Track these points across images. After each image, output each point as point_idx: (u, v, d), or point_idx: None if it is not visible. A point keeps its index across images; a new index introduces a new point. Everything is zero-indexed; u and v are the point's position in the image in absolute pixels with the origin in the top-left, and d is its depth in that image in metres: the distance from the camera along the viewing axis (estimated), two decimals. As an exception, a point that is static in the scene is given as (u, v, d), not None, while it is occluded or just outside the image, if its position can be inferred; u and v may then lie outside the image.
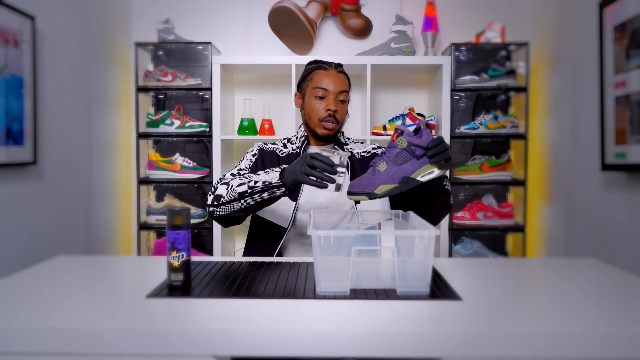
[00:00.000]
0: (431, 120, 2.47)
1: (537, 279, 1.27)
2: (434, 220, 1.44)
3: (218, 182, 1.43)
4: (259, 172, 1.39)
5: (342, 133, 1.68)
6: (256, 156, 1.60)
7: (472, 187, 2.52)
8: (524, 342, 0.82)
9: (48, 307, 0.93)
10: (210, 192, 1.43)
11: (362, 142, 1.70)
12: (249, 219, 1.66)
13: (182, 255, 1.06)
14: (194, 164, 2.49)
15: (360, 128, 2.66)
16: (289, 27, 2.42)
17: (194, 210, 2.48)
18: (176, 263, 1.06)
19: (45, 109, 1.88)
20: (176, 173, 2.44)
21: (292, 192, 1.37)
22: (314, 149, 1.62)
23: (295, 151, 1.61)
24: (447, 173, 1.33)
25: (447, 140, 2.39)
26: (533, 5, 2.58)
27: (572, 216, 2.13)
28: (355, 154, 1.63)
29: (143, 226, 2.45)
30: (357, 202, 1.53)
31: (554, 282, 1.16)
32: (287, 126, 2.64)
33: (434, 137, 1.23)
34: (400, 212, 1.30)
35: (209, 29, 2.67)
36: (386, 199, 1.57)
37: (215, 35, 2.66)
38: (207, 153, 2.53)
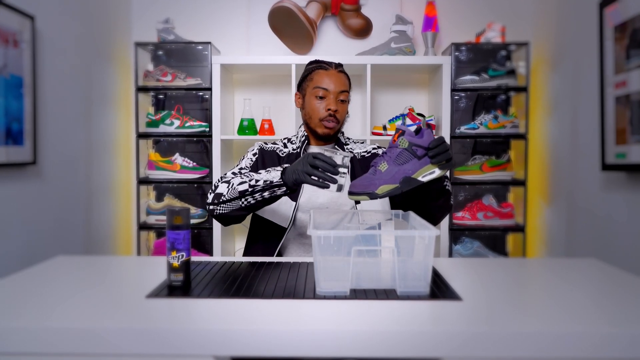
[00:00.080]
0: (431, 120, 2.46)
1: (538, 279, 1.26)
2: (435, 221, 1.44)
3: (219, 181, 1.43)
4: (260, 171, 1.39)
5: (342, 133, 1.68)
6: (257, 155, 1.59)
7: (472, 187, 2.52)
8: (524, 342, 0.82)
9: (48, 307, 0.93)
10: (210, 191, 1.43)
11: (362, 142, 1.70)
12: (249, 218, 1.66)
13: (182, 256, 1.06)
14: (194, 164, 2.49)
15: (360, 128, 2.66)
16: (289, 27, 2.42)
17: (193, 210, 2.48)
18: (176, 263, 1.06)
19: (45, 109, 1.88)
20: (176, 173, 2.44)
21: (293, 192, 1.37)
22: (314, 149, 1.62)
23: (295, 151, 1.61)
24: (448, 173, 1.32)
25: (447, 140, 2.38)
26: (533, 5, 2.58)
27: (573, 216, 2.13)
28: (356, 154, 1.63)
29: (143, 226, 2.45)
30: (357, 202, 1.53)
31: (554, 282, 1.16)
32: (287, 126, 2.64)
33: (435, 137, 1.23)
34: (400, 212, 1.30)
35: (209, 29, 2.67)
36: (386, 199, 1.57)
37: (215, 35, 2.66)
38: (207, 153, 2.53)
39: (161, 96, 2.58)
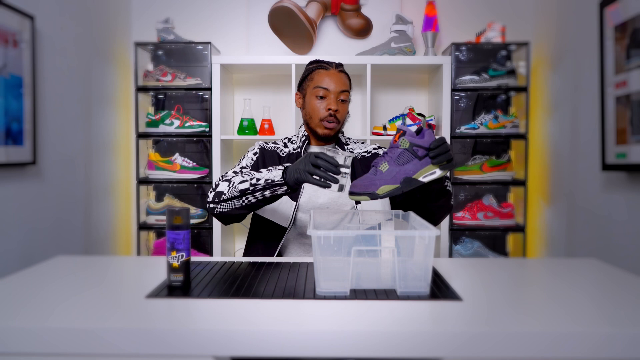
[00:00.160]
0: (431, 120, 2.46)
1: (538, 279, 1.26)
2: (435, 221, 1.44)
3: (220, 179, 1.43)
4: (261, 170, 1.39)
5: (342, 133, 1.68)
6: (257, 155, 1.59)
7: (472, 187, 2.52)
8: (525, 342, 0.82)
9: (47, 308, 0.93)
10: (211, 189, 1.43)
11: (363, 142, 1.70)
12: (249, 218, 1.66)
13: (182, 256, 1.06)
14: (194, 164, 2.49)
15: (360, 128, 2.66)
16: (289, 26, 2.42)
17: (193, 210, 2.48)
18: (176, 263, 1.06)
19: (45, 108, 1.87)
20: (176, 173, 2.44)
21: (295, 191, 1.37)
22: (314, 149, 1.62)
23: (296, 151, 1.60)
24: (448, 173, 1.32)
25: (447, 140, 2.38)
26: (533, 4, 2.58)
27: (573, 216, 2.12)
28: (356, 154, 1.62)
29: (142, 226, 2.45)
30: (357, 202, 1.53)
31: (554, 282, 1.16)
32: (287, 126, 2.64)
33: (436, 137, 1.23)
34: (401, 212, 1.30)
35: (209, 29, 2.67)
36: (387, 199, 1.57)
37: (215, 35, 2.65)
38: (206, 153, 2.53)
39: (161, 96, 2.57)
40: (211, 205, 1.42)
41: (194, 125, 2.41)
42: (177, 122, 2.41)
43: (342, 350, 0.82)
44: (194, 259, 1.30)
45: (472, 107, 2.55)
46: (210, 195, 1.41)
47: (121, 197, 2.56)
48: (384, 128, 2.45)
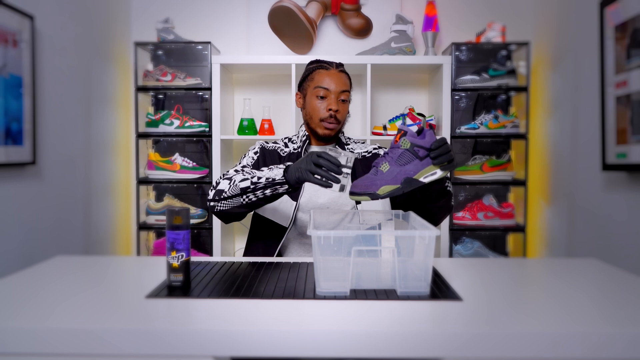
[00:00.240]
0: (431, 120, 2.46)
1: (538, 280, 1.26)
2: (435, 221, 1.43)
3: (221, 178, 1.43)
4: (262, 169, 1.38)
5: (343, 133, 1.68)
6: (258, 154, 1.59)
7: (472, 187, 2.52)
8: (525, 342, 0.82)
9: (47, 308, 0.93)
10: (212, 187, 1.43)
11: (363, 142, 1.70)
12: (249, 218, 1.66)
13: (182, 256, 1.06)
14: (194, 164, 2.49)
15: (360, 128, 2.65)
16: (289, 26, 2.42)
17: (193, 210, 2.48)
18: (176, 263, 1.06)
19: (45, 108, 1.87)
20: (176, 173, 2.44)
21: (295, 190, 1.37)
22: (315, 149, 1.62)
23: (296, 151, 1.60)
24: (449, 174, 1.32)
25: (447, 140, 2.38)
26: (534, 4, 2.58)
27: (573, 216, 2.12)
28: (356, 154, 1.62)
29: (142, 226, 2.45)
30: (358, 202, 1.53)
31: (554, 282, 1.16)
32: (287, 126, 2.63)
33: (437, 138, 1.23)
34: (401, 212, 1.30)
35: (209, 29, 2.66)
36: (387, 200, 1.57)
37: (215, 34, 2.65)
38: (206, 153, 2.53)
39: (161, 96, 2.57)
40: (211, 203, 1.42)
41: (194, 125, 2.41)
42: (177, 122, 2.41)
43: (342, 350, 0.82)
44: (194, 259, 1.30)
45: (472, 107, 2.55)
46: (211, 194, 1.41)
47: (121, 197, 2.56)
48: (384, 128, 2.44)
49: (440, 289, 1.04)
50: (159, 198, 2.58)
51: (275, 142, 1.65)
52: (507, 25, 2.52)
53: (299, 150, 1.60)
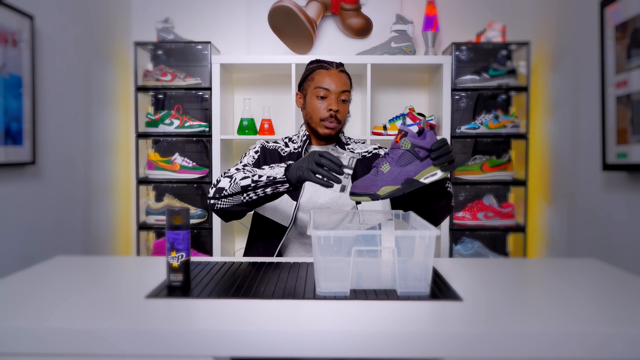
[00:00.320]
0: (431, 120, 2.46)
1: (538, 280, 1.26)
2: (435, 222, 1.43)
3: (221, 176, 1.43)
4: (263, 167, 1.38)
5: (343, 132, 1.68)
6: (259, 153, 1.59)
7: (472, 187, 2.52)
8: (525, 342, 0.81)
9: (47, 308, 0.93)
10: (212, 185, 1.42)
11: (363, 142, 1.70)
12: (250, 217, 1.65)
13: (182, 256, 1.06)
14: (194, 163, 2.48)
15: (360, 128, 2.65)
16: (289, 26, 2.42)
17: (193, 210, 2.48)
18: (175, 263, 1.05)
19: (44, 108, 1.87)
20: (175, 173, 2.44)
21: (296, 189, 1.37)
22: (315, 149, 1.62)
23: (297, 150, 1.60)
24: (449, 175, 1.32)
25: (447, 140, 2.38)
26: (534, 4, 2.58)
27: (573, 216, 2.12)
28: (358, 156, 1.62)
29: (142, 226, 2.45)
30: (358, 202, 1.52)
31: (555, 282, 1.16)
32: (287, 126, 2.63)
33: (438, 138, 1.23)
34: (401, 212, 1.30)
35: (209, 29, 2.66)
36: (387, 200, 1.57)
37: (215, 34, 2.65)
38: (206, 153, 2.53)
39: (161, 96, 2.57)
40: (212, 201, 1.41)
41: (194, 125, 2.41)
42: (176, 122, 2.41)
43: (342, 351, 0.82)
44: (193, 259, 1.30)
45: (473, 106, 2.54)
46: (211, 191, 1.41)
47: (121, 197, 2.56)
48: (384, 128, 2.44)
49: (440, 289, 1.04)
50: (158, 198, 2.57)
51: (275, 142, 1.65)
52: (507, 25, 2.52)
53: (300, 150, 1.60)
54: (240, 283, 1.09)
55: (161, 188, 2.58)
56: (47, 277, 1.15)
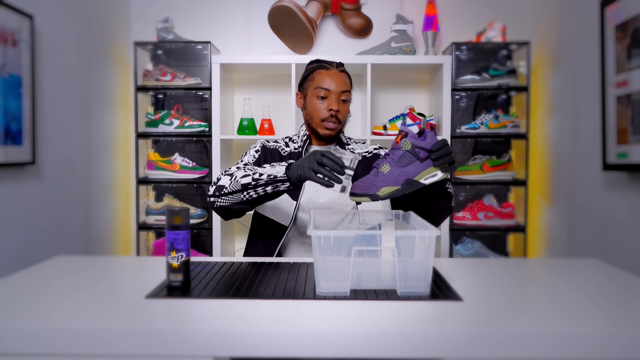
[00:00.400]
0: (432, 120, 2.46)
1: (539, 280, 1.26)
2: (435, 223, 1.43)
3: (222, 174, 1.42)
4: (264, 165, 1.38)
5: (343, 132, 1.68)
6: (259, 152, 1.59)
7: (472, 187, 2.52)
8: (525, 343, 0.81)
9: (46, 308, 0.93)
10: (213, 183, 1.42)
11: (364, 142, 1.70)
12: (250, 217, 1.65)
13: (182, 256, 1.06)
14: (194, 163, 2.48)
15: (360, 128, 2.65)
16: (289, 26, 2.42)
17: (193, 210, 2.48)
18: (175, 263, 1.05)
19: (44, 108, 1.87)
20: (175, 173, 2.44)
21: (297, 189, 1.36)
22: (316, 149, 1.62)
23: (297, 150, 1.60)
24: (449, 175, 1.32)
25: (447, 140, 2.38)
26: (534, 4, 2.58)
27: (574, 216, 2.12)
28: (360, 157, 1.62)
29: (142, 226, 2.45)
30: (358, 202, 1.52)
31: (555, 282, 1.16)
32: (287, 126, 2.63)
33: (438, 139, 1.23)
34: (401, 212, 1.30)
35: (209, 28, 2.66)
36: (387, 200, 1.56)
37: (215, 34, 2.65)
38: (206, 153, 2.53)
39: (160, 96, 2.57)
40: (212, 199, 1.41)
41: (194, 125, 2.40)
42: (176, 122, 2.41)
43: (342, 351, 0.82)
44: (193, 259, 1.30)
45: (473, 106, 2.54)
46: (212, 189, 1.41)
47: (121, 197, 2.56)
48: (384, 128, 2.44)
49: (440, 289, 1.04)
50: (158, 198, 2.57)
51: (276, 142, 1.64)
52: (508, 25, 2.52)
53: (300, 150, 1.59)
54: (240, 283, 1.09)
55: (161, 188, 2.58)
56: (47, 277, 1.14)
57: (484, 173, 2.42)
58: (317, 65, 1.58)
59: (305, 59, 2.32)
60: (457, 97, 2.42)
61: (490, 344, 0.81)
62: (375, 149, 1.65)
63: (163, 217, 2.45)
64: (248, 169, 1.39)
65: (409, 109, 2.46)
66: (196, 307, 0.95)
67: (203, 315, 0.92)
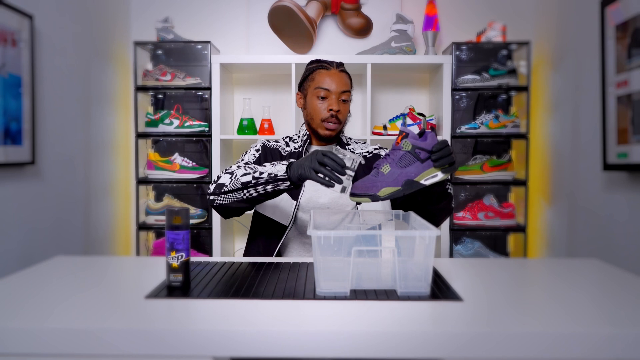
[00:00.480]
0: (432, 120, 2.46)
1: (539, 280, 1.26)
2: (435, 223, 1.43)
3: (222, 172, 1.42)
4: (265, 164, 1.38)
5: (343, 132, 1.67)
6: (259, 152, 1.59)
7: (473, 187, 2.52)
8: (526, 343, 0.81)
9: (46, 308, 0.93)
10: (213, 181, 1.42)
11: (364, 143, 1.70)
12: (250, 216, 1.65)
13: (182, 256, 1.05)
14: (193, 163, 2.48)
15: (360, 128, 2.65)
16: (289, 26, 2.42)
17: (193, 210, 2.48)
18: (175, 263, 1.05)
19: (44, 108, 1.87)
20: (175, 173, 2.43)
21: (297, 188, 1.36)
22: (316, 149, 1.62)
23: (297, 150, 1.60)
24: (449, 176, 1.32)
25: (447, 140, 2.38)
26: (534, 4, 2.57)
27: (574, 216, 2.12)
28: (361, 158, 1.62)
29: (142, 226, 2.45)
30: (358, 202, 1.52)
31: (555, 282, 1.16)
32: (287, 126, 2.63)
33: (439, 140, 1.23)
34: (401, 212, 1.30)
35: (208, 28, 2.66)
36: (387, 200, 1.56)
37: (215, 34, 2.65)
38: (206, 153, 2.53)
39: (160, 96, 2.57)
40: (211, 197, 1.41)
41: (194, 125, 2.40)
42: (176, 122, 2.41)
43: (342, 351, 0.82)
44: (193, 259, 1.30)
45: (473, 106, 2.54)
46: (212, 187, 1.41)
47: (120, 197, 2.56)
48: (385, 128, 2.44)
49: (440, 289, 1.04)
50: (158, 198, 2.57)
51: (276, 141, 1.64)
52: (508, 25, 2.52)
53: (300, 149, 1.59)
54: (240, 283, 1.09)
55: (161, 188, 2.58)
56: (46, 277, 1.14)
57: (484, 173, 2.42)
58: (317, 65, 1.57)
59: (305, 59, 2.32)
60: (457, 97, 2.42)
61: (491, 344, 0.81)
62: (375, 149, 1.65)
63: (163, 217, 2.45)
64: (249, 167, 1.39)
65: (409, 109, 2.46)
66: (196, 307, 0.95)
67: (203, 316, 0.92)
